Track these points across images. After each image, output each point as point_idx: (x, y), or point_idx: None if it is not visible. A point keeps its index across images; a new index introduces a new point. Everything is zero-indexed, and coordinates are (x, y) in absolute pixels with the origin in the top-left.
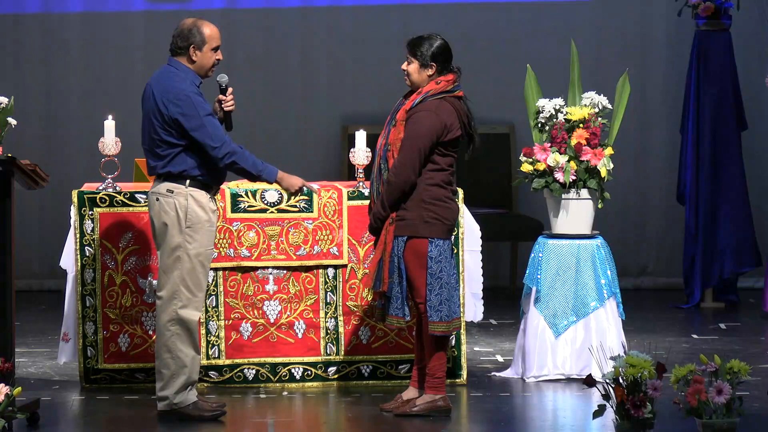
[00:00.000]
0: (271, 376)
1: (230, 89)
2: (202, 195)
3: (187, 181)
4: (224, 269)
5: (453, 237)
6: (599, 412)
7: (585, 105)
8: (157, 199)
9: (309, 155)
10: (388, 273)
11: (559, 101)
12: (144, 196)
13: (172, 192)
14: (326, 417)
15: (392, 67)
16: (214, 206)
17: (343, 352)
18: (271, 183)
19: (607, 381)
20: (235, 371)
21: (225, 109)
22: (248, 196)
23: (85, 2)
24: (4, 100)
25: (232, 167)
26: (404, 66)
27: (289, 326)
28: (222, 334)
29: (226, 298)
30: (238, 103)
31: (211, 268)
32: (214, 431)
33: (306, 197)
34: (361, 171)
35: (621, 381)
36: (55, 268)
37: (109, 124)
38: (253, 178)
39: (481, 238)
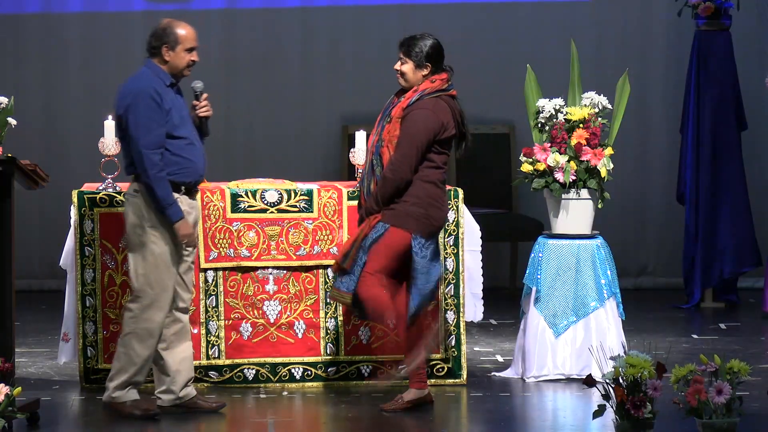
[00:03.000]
0: (271, 376)
1: (205, 95)
2: None
3: None
4: (224, 269)
5: (453, 237)
6: (599, 412)
7: (585, 105)
8: (127, 199)
9: (309, 155)
10: (356, 251)
11: (559, 101)
12: None
13: (138, 192)
14: (326, 417)
15: (392, 67)
16: (183, 207)
17: (343, 352)
18: (171, 223)
19: (607, 381)
20: (235, 371)
21: (200, 115)
22: (248, 196)
23: (85, 2)
24: (4, 100)
25: (142, 179)
26: (398, 66)
27: (289, 326)
28: (222, 334)
29: (226, 298)
30: (239, 104)
31: (211, 269)
32: (213, 430)
33: (306, 196)
34: (361, 171)
35: (621, 381)
36: (55, 268)
37: (109, 124)
38: (158, 207)
39: (481, 238)
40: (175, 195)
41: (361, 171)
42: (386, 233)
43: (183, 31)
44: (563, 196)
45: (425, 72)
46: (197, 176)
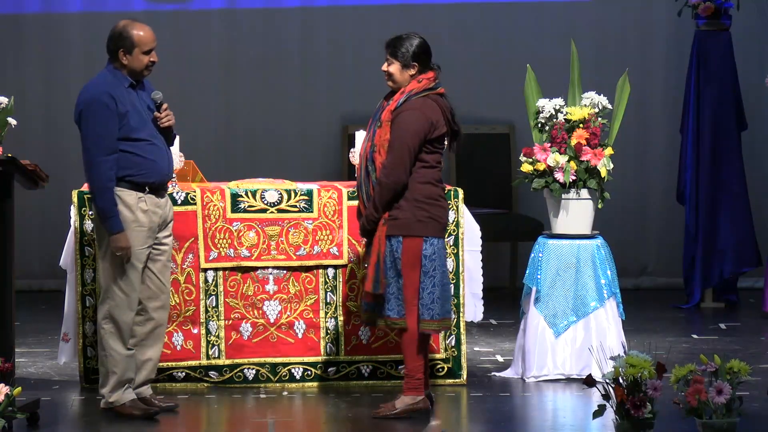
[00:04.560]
0: (271, 376)
1: (165, 105)
2: (128, 195)
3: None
4: (224, 269)
5: (453, 237)
6: (599, 412)
7: (585, 105)
8: (91, 200)
9: (309, 155)
10: (383, 274)
11: (559, 101)
12: None
13: None
14: (326, 417)
15: None
16: (147, 206)
17: (343, 352)
18: (110, 234)
19: (607, 381)
20: (235, 371)
21: (161, 125)
22: (248, 196)
23: (85, 2)
24: (4, 100)
25: (88, 186)
26: (384, 67)
27: (289, 326)
28: (222, 334)
29: (226, 298)
30: (239, 104)
31: (211, 269)
32: (214, 430)
33: (306, 196)
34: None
35: (621, 381)
36: (55, 268)
37: None
38: (100, 216)
39: (481, 238)
40: (140, 194)
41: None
42: (404, 248)
43: (140, 32)
44: (563, 196)
45: (412, 72)
46: (161, 176)
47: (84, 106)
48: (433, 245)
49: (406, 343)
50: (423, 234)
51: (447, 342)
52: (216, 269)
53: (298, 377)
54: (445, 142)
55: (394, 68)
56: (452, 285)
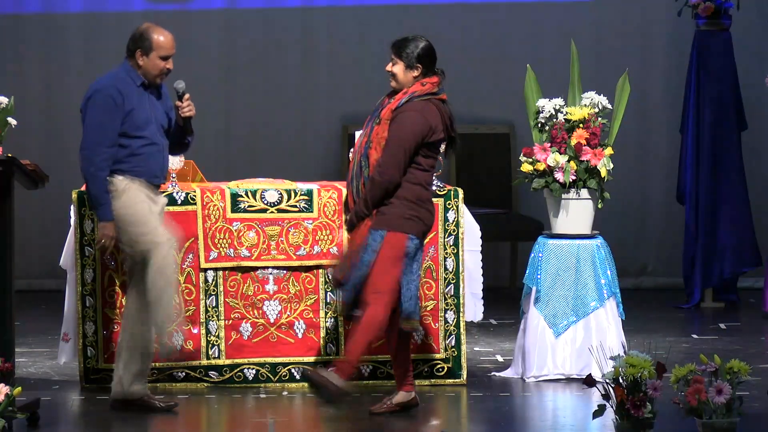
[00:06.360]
0: (271, 376)
1: (187, 95)
2: (120, 181)
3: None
4: (224, 269)
5: (453, 237)
6: (599, 412)
7: (585, 105)
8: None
9: (309, 155)
10: (350, 263)
11: (559, 101)
12: None
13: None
14: (326, 417)
15: None
16: (144, 190)
17: (343, 352)
18: (99, 220)
19: (607, 381)
20: (235, 371)
21: (182, 115)
22: (248, 196)
23: (85, 2)
24: (4, 100)
25: (82, 172)
26: (389, 67)
27: (289, 326)
28: (222, 334)
29: (226, 298)
30: (239, 104)
31: (211, 268)
32: (214, 430)
33: (306, 196)
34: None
35: (621, 381)
36: (55, 268)
37: None
38: (92, 203)
39: (481, 238)
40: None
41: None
42: (385, 242)
43: (160, 37)
44: (563, 196)
45: (416, 73)
46: (151, 176)
47: (91, 96)
48: (416, 245)
49: (362, 327)
50: (407, 231)
51: (447, 342)
52: (216, 269)
53: (298, 377)
54: (442, 148)
55: (398, 68)
56: (452, 285)
